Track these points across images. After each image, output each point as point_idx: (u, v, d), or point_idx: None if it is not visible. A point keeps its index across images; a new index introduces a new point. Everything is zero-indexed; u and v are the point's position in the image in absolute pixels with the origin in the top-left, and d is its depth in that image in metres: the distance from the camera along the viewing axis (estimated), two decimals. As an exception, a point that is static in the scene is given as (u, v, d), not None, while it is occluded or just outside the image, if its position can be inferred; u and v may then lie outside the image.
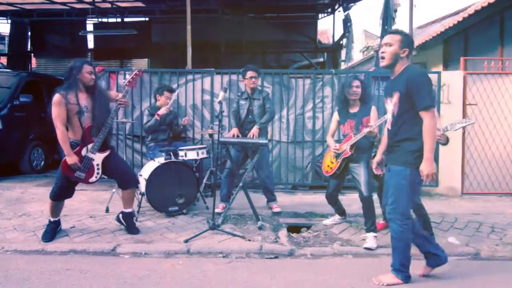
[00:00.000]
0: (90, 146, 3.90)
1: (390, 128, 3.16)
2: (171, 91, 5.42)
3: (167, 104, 5.29)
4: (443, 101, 5.94)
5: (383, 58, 3.07)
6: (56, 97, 3.79)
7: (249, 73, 4.91)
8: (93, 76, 3.90)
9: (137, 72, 4.17)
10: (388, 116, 3.19)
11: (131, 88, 4.22)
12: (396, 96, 3.03)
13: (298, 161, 6.27)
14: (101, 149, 3.95)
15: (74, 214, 4.84)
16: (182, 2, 7.20)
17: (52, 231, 4.07)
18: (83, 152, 3.90)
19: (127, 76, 4.14)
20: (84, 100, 3.89)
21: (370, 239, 3.97)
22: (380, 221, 4.35)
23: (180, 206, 4.77)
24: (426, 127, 2.92)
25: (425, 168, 2.92)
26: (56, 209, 4.07)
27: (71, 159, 3.80)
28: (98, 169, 3.95)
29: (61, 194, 4.01)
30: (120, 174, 4.13)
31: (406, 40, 3.04)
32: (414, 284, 3.21)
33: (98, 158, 3.94)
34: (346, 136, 4.14)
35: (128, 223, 4.22)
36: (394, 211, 3.07)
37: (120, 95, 4.10)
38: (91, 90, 3.93)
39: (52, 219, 4.09)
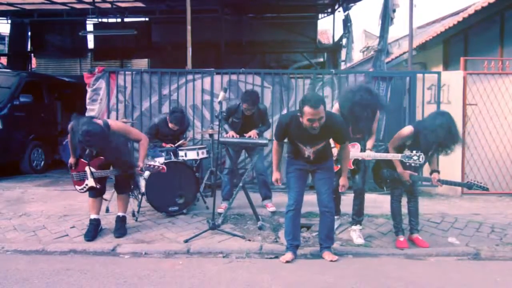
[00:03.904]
0: (92, 169, 4.06)
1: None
2: (175, 122, 5.05)
3: (175, 130, 5.12)
4: (443, 101, 5.95)
5: None
6: (70, 125, 3.95)
7: (244, 105, 4.79)
8: (91, 150, 3.94)
9: (162, 169, 4.24)
10: None
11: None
12: None
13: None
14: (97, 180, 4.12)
15: (74, 214, 4.84)
16: (182, 2, 7.19)
17: (94, 229, 4.15)
18: (86, 169, 4.10)
19: (152, 164, 4.22)
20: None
21: (357, 233, 4.08)
22: (400, 238, 4.02)
23: (180, 206, 4.77)
24: None
25: None
26: (93, 205, 4.21)
27: (70, 159, 4.22)
28: (84, 187, 4.16)
29: (92, 190, 4.19)
30: (116, 176, 4.28)
31: None
32: (413, 283, 3.22)
33: (89, 182, 4.13)
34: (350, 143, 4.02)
35: (116, 225, 4.28)
36: None
37: (139, 167, 4.10)
38: (102, 151, 4.03)
39: (92, 217, 4.19)
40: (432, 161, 3.97)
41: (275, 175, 3.78)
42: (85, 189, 4.17)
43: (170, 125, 5.07)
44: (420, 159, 3.69)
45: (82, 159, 4.15)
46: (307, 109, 3.24)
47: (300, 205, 3.70)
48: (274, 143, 3.72)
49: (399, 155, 3.80)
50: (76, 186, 4.22)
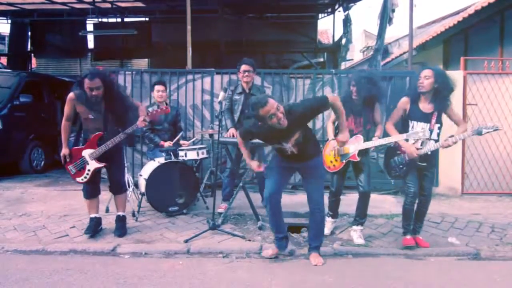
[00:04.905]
0: (92, 151, 3.99)
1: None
2: (160, 83, 5.22)
3: (161, 97, 5.16)
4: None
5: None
6: (69, 95, 3.98)
7: (243, 67, 4.81)
8: (94, 92, 3.83)
9: (164, 108, 4.28)
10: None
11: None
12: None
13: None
14: (100, 159, 4.01)
15: (74, 214, 4.84)
16: (182, 2, 7.19)
17: (94, 227, 4.15)
18: (84, 153, 4.00)
19: (154, 108, 4.20)
20: (97, 107, 3.95)
21: (358, 233, 4.07)
22: (407, 236, 3.97)
23: (180, 206, 4.77)
24: None
25: None
26: (91, 206, 4.20)
27: (63, 151, 4.05)
28: (87, 174, 4.02)
29: (88, 191, 4.15)
30: (109, 178, 4.25)
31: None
32: (413, 283, 3.22)
33: (92, 165, 4.02)
34: (353, 135, 3.99)
35: (116, 224, 4.27)
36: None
37: (142, 117, 4.05)
38: (108, 98, 3.93)
39: (91, 216, 4.19)
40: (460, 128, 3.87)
41: (253, 164, 3.56)
42: (88, 176, 4.00)
43: (156, 90, 5.09)
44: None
45: (75, 148, 4.06)
46: (262, 110, 3.19)
47: (275, 197, 3.57)
48: (238, 139, 3.60)
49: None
50: (77, 179, 4.04)
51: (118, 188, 4.28)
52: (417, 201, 3.98)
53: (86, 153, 3.99)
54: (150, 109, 4.20)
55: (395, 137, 3.84)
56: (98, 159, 4.00)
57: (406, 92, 4.11)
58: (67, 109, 3.99)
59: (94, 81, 3.80)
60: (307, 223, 4.57)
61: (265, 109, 3.17)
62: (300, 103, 3.53)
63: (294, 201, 5.48)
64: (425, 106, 3.83)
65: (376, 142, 3.94)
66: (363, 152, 4.00)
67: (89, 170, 4.01)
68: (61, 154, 4.04)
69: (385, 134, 4.00)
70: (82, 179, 4.04)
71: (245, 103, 4.90)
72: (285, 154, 3.51)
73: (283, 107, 3.28)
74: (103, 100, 3.93)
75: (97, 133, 3.98)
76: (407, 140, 3.79)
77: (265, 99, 3.20)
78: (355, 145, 3.96)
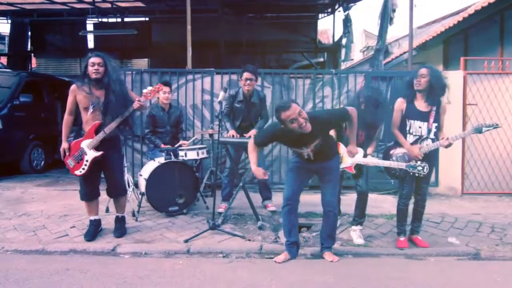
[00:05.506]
0: (90, 140, 3.92)
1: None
2: (166, 84, 5.22)
3: (167, 99, 5.22)
4: (443, 101, 5.94)
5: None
6: (71, 86, 4.00)
7: (245, 75, 4.80)
8: (96, 67, 3.86)
9: (159, 87, 4.27)
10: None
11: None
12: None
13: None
14: (98, 148, 3.94)
15: (74, 214, 4.84)
16: (182, 2, 7.18)
17: (94, 230, 4.13)
18: (82, 144, 3.94)
19: (149, 88, 4.15)
20: (97, 94, 3.92)
21: (357, 233, 4.07)
22: (401, 238, 4.01)
23: (180, 206, 4.77)
24: None
25: None
26: (90, 208, 4.15)
27: (62, 145, 4.02)
28: (85, 165, 3.94)
29: (87, 194, 4.10)
30: (107, 181, 4.17)
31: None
32: (413, 283, 3.22)
33: (90, 155, 3.93)
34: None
35: (115, 225, 4.26)
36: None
37: (137, 99, 4.01)
38: (105, 86, 3.91)
39: (91, 218, 4.16)
40: (439, 134, 3.90)
41: (258, 171, 3.50)
42: (86, 167, 3.91)
43: (162, 91, 5.04)
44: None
45: (74, 141, 3.99)
46: (284, 114, 3.24)
47: (294, 202, 3.65)
48: (252, 145, 3.58)
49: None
50: (75, 172, 3.96)
51: (116, 191, 4.20)
52: (413, 201, 4.01)
53: (85, 143, 3.92)
54: (144, 91, 4.14)
55: (395, 164, 3.81)
56: (97, 149, 3.93)
57: (402, 94, 4.10)
58: (69, 101, 3.96)
59: (97, 58, 3.93)
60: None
61: (286, 113, 3.22)
62: (325, 110, 3.58)
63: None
64: (421, 104, 3.86)
65: (375, 161, 3.94)
66: (360, 165, 3.98)
67: (87, 161, 3.93)
68: (61, 149, 4.02)
69: (394, 139, 4.03)
70: (80, 171, 3.95)
71: (246, 110, 4.91)
72: (303, 158, 3.57)
73: (307, 113, 3.32)
74: (102, 81, 3.90)
75: (95, 122, 3.91)
76: (416, 143, 3.81)
77: (288, 103, 3.26)
78: (354, 158, 3.92)
